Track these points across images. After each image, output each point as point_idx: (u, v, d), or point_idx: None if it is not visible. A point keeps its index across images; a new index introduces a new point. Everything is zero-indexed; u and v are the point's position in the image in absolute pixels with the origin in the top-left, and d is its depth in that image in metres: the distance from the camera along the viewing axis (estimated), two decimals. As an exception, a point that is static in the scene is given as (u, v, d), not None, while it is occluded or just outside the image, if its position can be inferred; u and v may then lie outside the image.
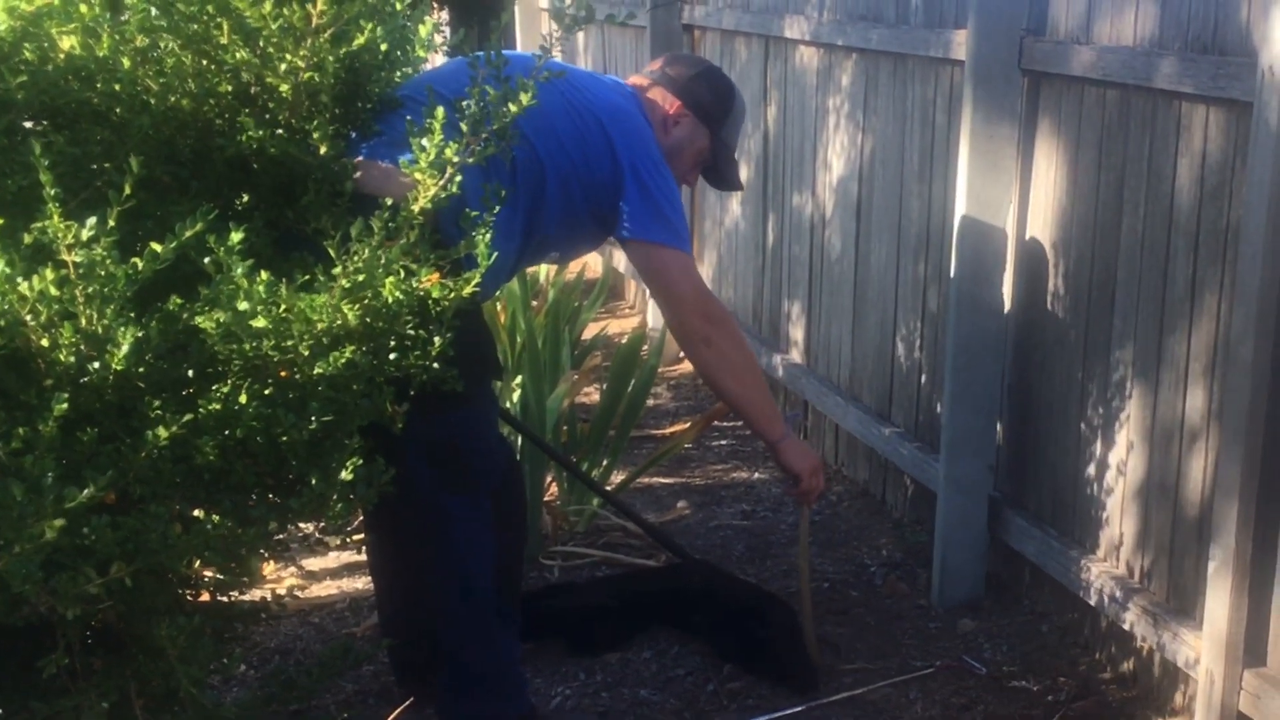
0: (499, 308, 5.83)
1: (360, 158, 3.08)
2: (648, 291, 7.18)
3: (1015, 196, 4.16)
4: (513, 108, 2.83)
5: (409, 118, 2.90)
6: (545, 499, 4.91)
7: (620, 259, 7.99)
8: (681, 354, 7.06)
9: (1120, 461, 3.81)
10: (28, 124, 2.71)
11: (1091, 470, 3.94)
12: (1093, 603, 3.89)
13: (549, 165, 3.37)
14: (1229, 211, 3.32)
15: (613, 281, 7.93)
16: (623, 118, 3.50)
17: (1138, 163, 3.64)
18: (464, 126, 2.78)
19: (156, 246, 2.33)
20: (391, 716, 2.62)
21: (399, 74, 3.22)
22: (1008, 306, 4.24)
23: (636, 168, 3.43)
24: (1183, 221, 3.49)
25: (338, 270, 2.54)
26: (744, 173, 6.25)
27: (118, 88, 2.70)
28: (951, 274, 4.24)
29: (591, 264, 8.59)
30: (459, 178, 2.74)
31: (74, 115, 2.71)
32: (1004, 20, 4.02)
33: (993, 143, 4.09)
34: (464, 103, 2.81)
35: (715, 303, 3.66)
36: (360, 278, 2.53)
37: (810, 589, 4.11)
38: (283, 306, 2.45)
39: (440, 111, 2.68)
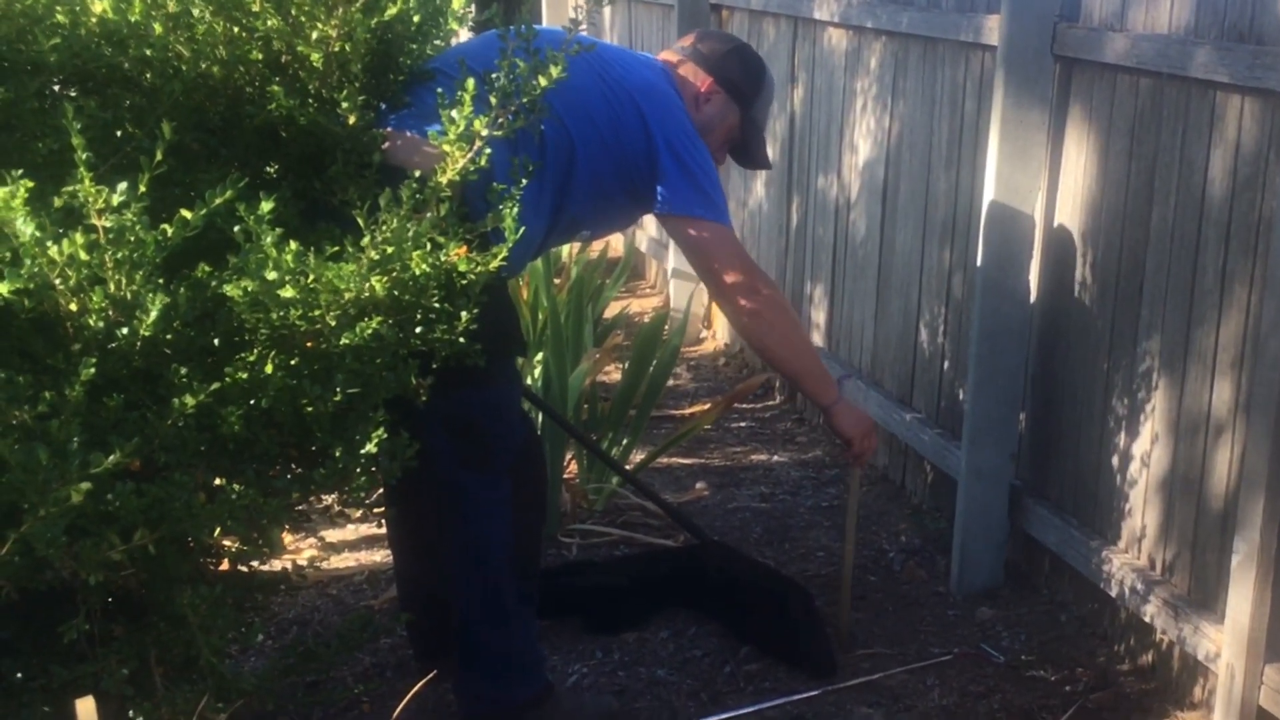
0: (522, 284, 5.82)
1: (389, 129, 3.07)
2: (668, 272, 7.21)
3: (1044, 184, 4.13)
4: (543, 81, 2.81)
5: (440, 90, 2.89)
6: (564, 477, 4.90)
7: (643, 239, 7.98)
8: (702, 334, 7.07)
9: (1144, 453, 3.79)
10: (58, 88, 2.71)
11: (1115, 461, 3.92)
12: (1113, 594, 3.87)
13: (579, 143, 3.35)
14: (1261, 203, 3.29)
15: (634, 261, 7.92)
16: (656, 94, 3.48)
17: (1170, 152, 3.62)
18: (493, 99, 2.76)
19: (186, 213, 2.32)
20: (413, 691, 2.61)
21: (430, 47, 3.21)
22: (1034, 294, 4.22)
23: (671, 143, 3.41)
24: (1214, 212, 3.46)
25: (366, 241, 2.53)
26: (769, 153, 6.22)
27: (149, 53, 2.69)
28: (977, 260, 4.21)
29: (614, 243, 8.58)
30: (488, 151, 2.73)
31: (105, 80, 2.71)
32: (1037, 5, 3.99)
33: (1023, 129, 4.06)
34: (494, 75, 2.80)
35: (759, 272, 3.64)
36: (389, 250, 2.52)
37: (854, 555, 4.13)
38: (311, 276, 2.44)
39: (471, 84, 2.67)
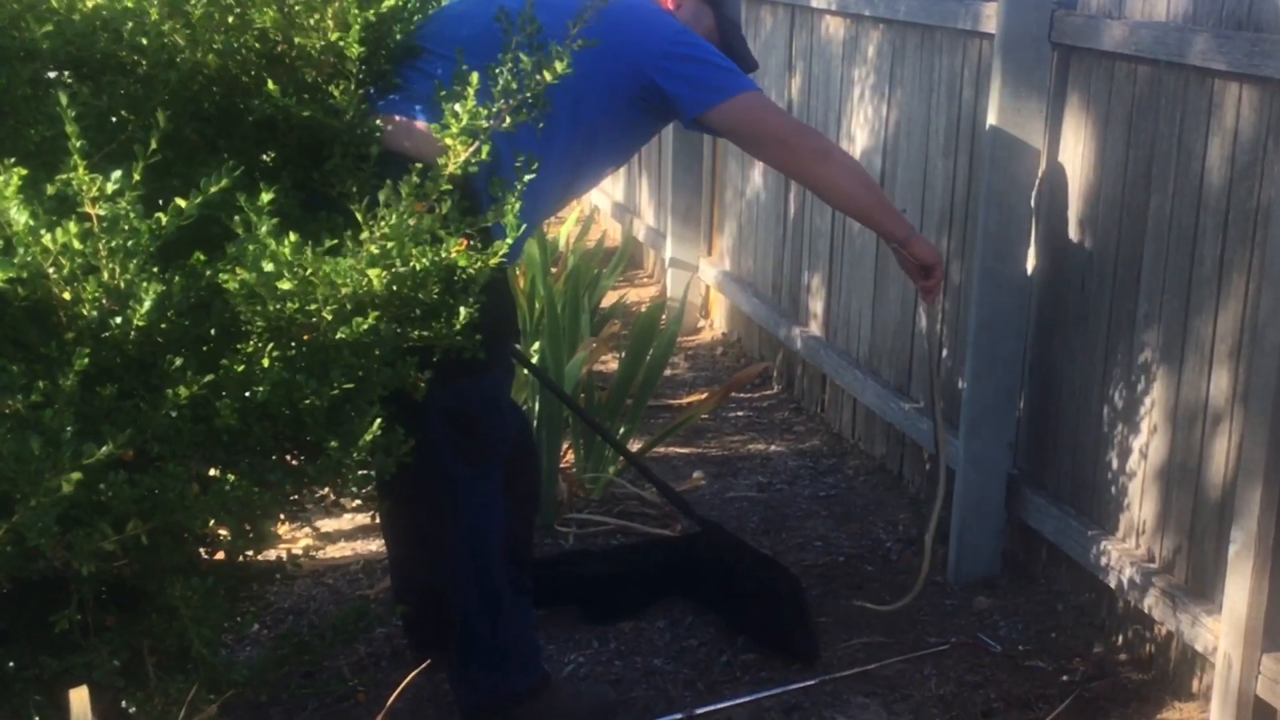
0: (519, 273, 5.80)
1: (380, 114, 3.05)
2: (666, 261, 7.20)
3: (1042, 172, 4.12)
4: (548, 76, 2.77)
5: (434, 76, 2.86)
6: (561, 466, 4.89)
7: (640, 228, 7.97)
8: (700, 324, 7.07)
9: (1142, 443, 3.78)
10: (51, 75, 2.69)
11: (1113, 451, 3.91)
12: (1110, 584, 3.86)
13: (588, 99, 3.30)
14: (1260, 192, 3.28)
15: (631, 250, 7.90)
16: (636, 9, 3.47)
17: (1167, 140, 3.61)
18: (495, 92, 2.73)
19: (181, 202, 2.31)
20: (407, 681, 2.61)
21: (413, 23, 3.21)
22: (1031, 283, 4.21)
23: (667, 50, 3.38)
24: (1212, 201, 3.45)
25: (365, 236, 2.51)
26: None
27: (144, 41, 2.67)
28: (976, 249, 4.20)
29: (611, 232, 8.57)
30: (486, 147, 2.70)
31: (99, 67, 2.69)
32: (1035, -7, 3.99)
33: (1020, 117, 4.05)
34: (495, 69, 2.75)
35: (803, 123, 3.65)
36: (389, 244, 2.50)
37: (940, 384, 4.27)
38: (308, 269, 2.42)
39: (475, 78, 2.63)
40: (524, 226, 2.72)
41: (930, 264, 3.85)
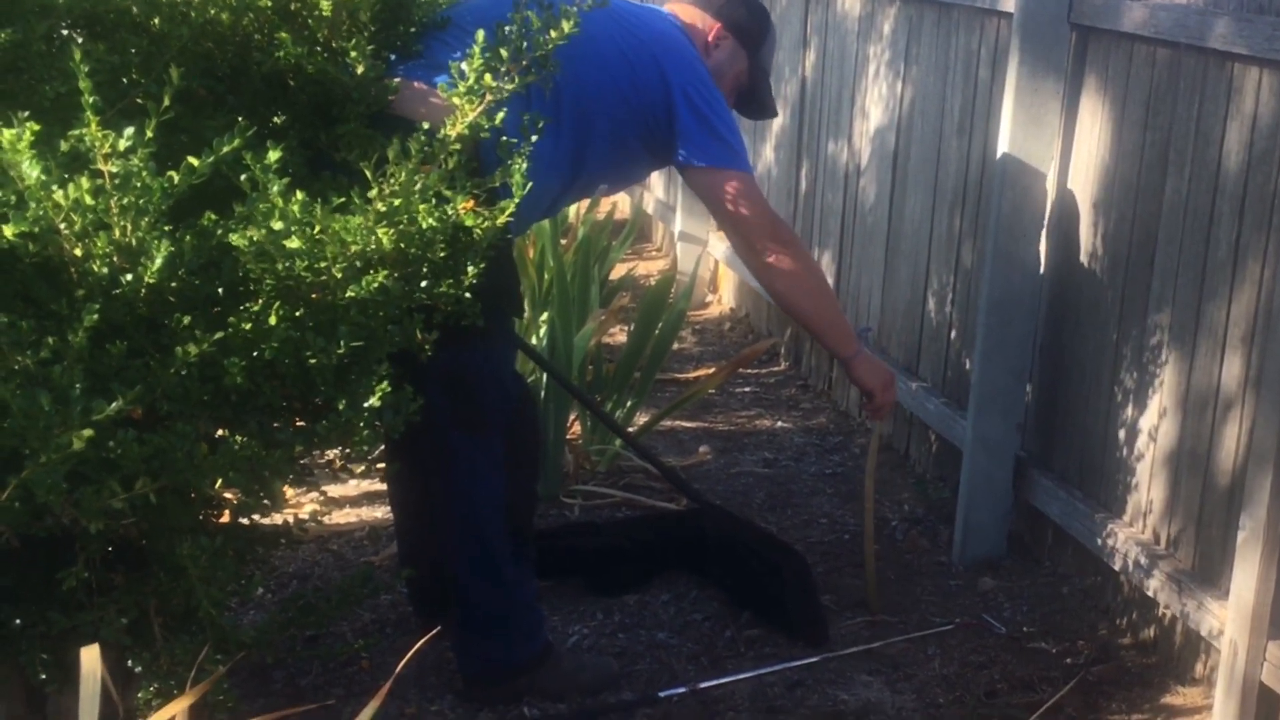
0: (528, 244, 5.79)
1: (397, 79, 3.04)
2: (675, 234, 7.18)
3: (1057, 153, 4.10)
4: (554, 35, 2.77)
5: (450, 43, 2.85)
6: (568, 437, 4.88)
7: (650, 201, 7.95)
8: (708, 299, 7.05)
9: (1152, 426, 3.76)
10: (66, 31, 2.68)
11: (1122, 434, 3.90)
12: (1116, 567, 3.86)
13: (597, 96, 3.32)
14: (1277, 177, 3.26)
15: (641, 223, 7.88)
16: (671, 43, 3.46)
17: (1185, 124, 3.58)
18: (503, 52, 2.73)
19: (194, 160, 2.29)
20: (415, 649, 2.60)
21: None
22: (1044, 265, 4.19)
23: (688, 92, 3.39)
24: (1229, 185, 3.43)
25: (374, 194, 2.50)
26: (780, 119, 6.19)
27: (158, -2, 2.66)
28: (989, 229, 4.19)
29: (621, 205, 8.55)
30: (501, 114, 2.69)
31: (113, 24, 2.68)
32: (1055, -28, 3.96)
33: (1037, 97, 4.03)
34: (506, 29, 2.76)
35: (782, 222, 3.65)
36: (396, 202, 2.49)
37: (873, 512, 4.16)
38: (317, 228, 2.41)
39: (480, 35, 2.64)
40: (529, 185, 2.71)
41: (869, 390, 3.84)
